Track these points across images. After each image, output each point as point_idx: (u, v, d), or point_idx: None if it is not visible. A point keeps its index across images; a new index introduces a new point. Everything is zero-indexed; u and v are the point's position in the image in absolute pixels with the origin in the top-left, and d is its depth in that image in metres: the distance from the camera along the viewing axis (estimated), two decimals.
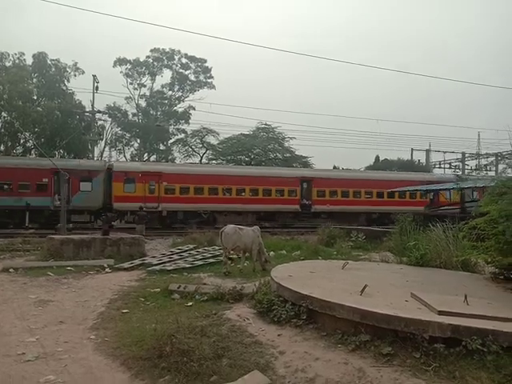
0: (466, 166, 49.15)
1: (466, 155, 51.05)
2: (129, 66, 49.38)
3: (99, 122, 44.07)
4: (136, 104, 50.13)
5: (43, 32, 66.34)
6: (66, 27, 70.58)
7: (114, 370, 4.49)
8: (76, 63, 43.13)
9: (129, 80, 49.82)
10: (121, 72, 49.29)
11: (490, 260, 7.29)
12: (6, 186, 23.94)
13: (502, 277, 7.06)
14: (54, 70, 42.15)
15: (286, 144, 45.51)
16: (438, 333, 4.14)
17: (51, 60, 41.88)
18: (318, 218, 27.46)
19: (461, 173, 43.15)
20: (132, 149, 51.06)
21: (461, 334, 4.06)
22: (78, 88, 42.34)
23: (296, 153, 45.66)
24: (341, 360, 4.30)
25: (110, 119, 47.14)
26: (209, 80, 51.15)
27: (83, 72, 42.84)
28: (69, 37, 70.23)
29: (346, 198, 29.31)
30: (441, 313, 4.47)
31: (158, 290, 8.11)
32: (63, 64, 42.66)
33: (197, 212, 26.38)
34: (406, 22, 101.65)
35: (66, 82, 43.05)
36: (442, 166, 51.44)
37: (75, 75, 43.39)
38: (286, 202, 28.10)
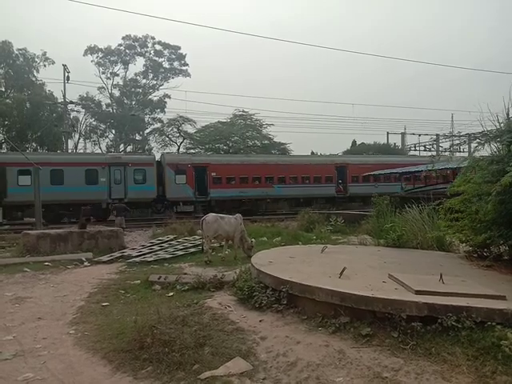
0: (440, 148, 49.91)
1: (440, 137, 51.86)
2: (100, 54, 48.24)
3: (72, 114, 43.05)
4: (109, 94, 49.14)
5: (5, 21, 63.76)
6: (31, 16, 68.05)
7: (94, 363, 4.44)
8: (45, 53, 41.92)
9: (101, 69, 48.77)
10: (92, 61, 48.20)
11: (464, 239, 7.47)
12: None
13: (475, 255, 7.24)
14: (21, 60, 40.77)
15: (264, 131, 45.44)
16: (415, 312, 4.22)
17: (18, 49, 40.46)
18: None
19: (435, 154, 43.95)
20: (107, 140, 50.20)
21: (437, 312, 4.16)
22: (49, 79, 41.16)
23: (274, 139, 45.71)
24: (321, 343, 4.34)
25: (84, 110, 46.09)
26: (183, 67, 50.51)
27: (53, 62, 41.69)
28: (35, 27, 67.81)
29: None
30: (418, 292, 4.56)
31: (139, 281, 8.04)
32: (31, 54, 41.33)
33: None
34: (387, 8, 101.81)
35: (35, 73, 41.84)
36: (417, 148, 52.26)
37: (45, 65, 42.25)
38: None
